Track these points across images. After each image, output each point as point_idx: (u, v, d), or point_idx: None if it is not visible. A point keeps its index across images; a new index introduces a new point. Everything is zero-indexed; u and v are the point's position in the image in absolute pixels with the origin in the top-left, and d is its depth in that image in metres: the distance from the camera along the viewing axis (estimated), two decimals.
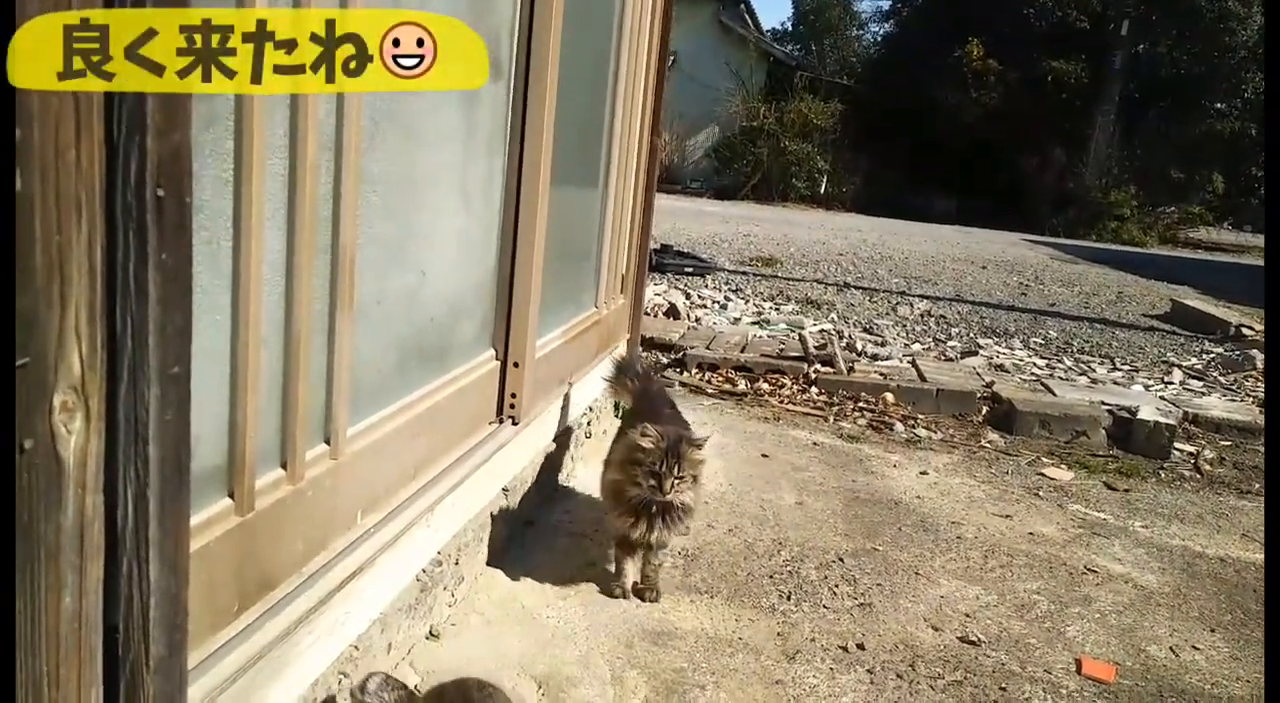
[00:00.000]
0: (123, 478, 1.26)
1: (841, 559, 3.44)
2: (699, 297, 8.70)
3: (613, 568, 3.04)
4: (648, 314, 7.00)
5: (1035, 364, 7.34)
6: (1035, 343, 8.29)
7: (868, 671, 2.70)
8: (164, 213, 1.20)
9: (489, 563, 2.97)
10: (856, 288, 10.44)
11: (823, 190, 25.56)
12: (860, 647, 2.82)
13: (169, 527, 1.31)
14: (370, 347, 2.25)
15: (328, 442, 2.09)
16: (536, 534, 2.92)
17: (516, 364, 3.15)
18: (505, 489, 3.12)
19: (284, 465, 1.92)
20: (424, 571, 2.52)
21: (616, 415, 4.69)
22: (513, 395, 3.18)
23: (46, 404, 1.14)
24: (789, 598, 3.09)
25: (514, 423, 3.19)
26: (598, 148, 4.09)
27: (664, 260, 9.94)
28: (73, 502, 1.21)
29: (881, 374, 6.07)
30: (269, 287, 1.75)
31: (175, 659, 1.37)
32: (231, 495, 1.74)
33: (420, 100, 2.36)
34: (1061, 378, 6.80)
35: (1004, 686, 2.71)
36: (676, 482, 2.78)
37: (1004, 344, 8.14)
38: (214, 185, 1.58)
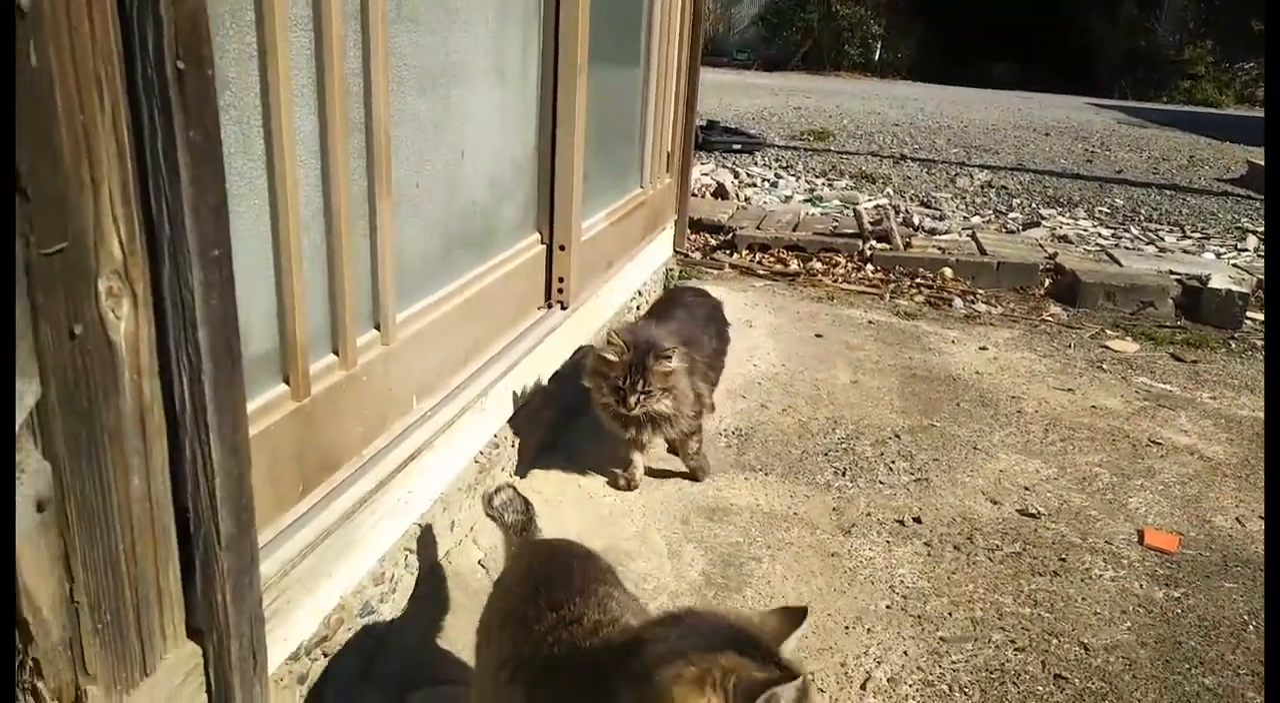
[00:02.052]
0: (175, 362, 1.27)
1: (898, 436, 3.42)
2: (748, 175, 8.49)
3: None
4: (695, 195, 6.87)
5: (1100, 234, 7.09)
6: (1100, 212, 7.98)
7: (925, 543, 2.71)
8: (186, 87, 1.16)
9: (544, 447, 3.01)
10: (913, 160, 10.10)
11: (877, 57, 24.43)
12: (917, 521, 2.83)
13: (226, 409, 1.32)
14: (413, 230, 2.23)
15: (378, 327, 2.09)
16: (590, 420, 2.93)
17: (562, 247, 3.11)
18: (557, 374, 3.13)
19: (336, 351, 1.93)
20: (481, 452, 2.55)
21: None
22: (560, 280, 3.15)
23: (91, 289, 1.13)
24: (844, 474, 3.09)
25: (562, 307, 3.17)
26: (638, 16, 3.92)
27: (711, 138, 9.67)
28: (129, 386, 1.21)
29: (939, 249, 5.91)
30: (305, 168, 1.72)
31: (245, 537, 1.41)
32: (287, 381, 1.75)
33: None
34: (1128, 248, 6.56)
35: (1064, 556, 2.70)
36: (642, 396, 2.63)
37: (1068, 214, 7.86)
38: (238, 61, 1.53)
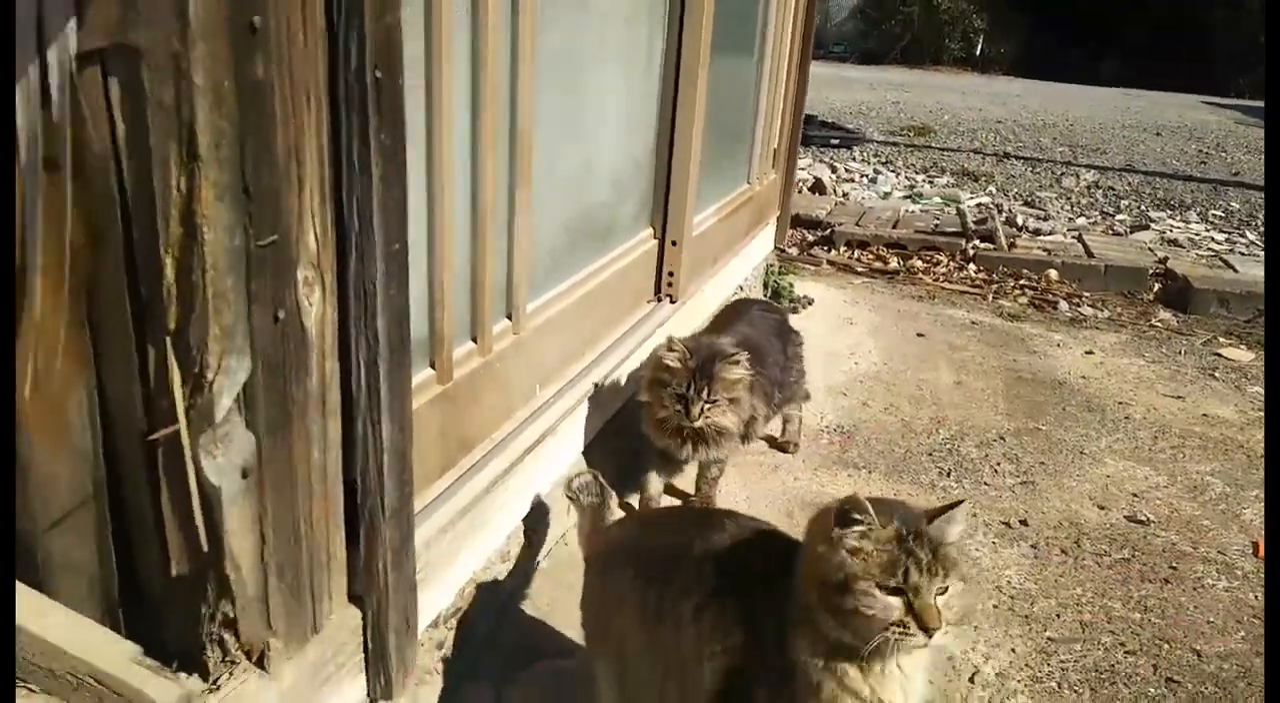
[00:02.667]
0: (355, 346, 1.38)
1: (1003, 438, 3.41)
2: (846, 170, 8.44)
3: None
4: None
5: (1213, 239, 6.86)
6: (1214, 216, 7.71)
7: (1031, 546, 2.71)
8: (381, 94, 1.27)
9: None
10: (1017, 158, 9.89)
11: (978, 52, 23.89)
12: (1023, 523, 2.83)
13: (396, 390, 1.44)
14: (543, 225, 2.33)
15: (509, 317, 2.20)
16: None
17: (674, 242, 3.19)
18: None
19: (474, 339, 2.04)
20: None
21: (765, 293, 4.70)
22: (670, 274, 3.23)
23: (292, 278, 1.25)
24: (948, 475, 3.11)
25: (671, 301, 3.25)
26: (754, 10, 3.97)
27: (808, 132, 9.59)
28: (315, 367, 1.34)
29: (1045, 250, 5.81)
30: (458, 166, 1.83)
31: (405, 509, 1.53)
32: (433, 366, 1.87)
33: None
34: (1243, 253, 6.34)
35: (1174, 565, 2.67)
36: (708, 406, 2.40)
37: (1179, 217, 7.62)
38: (410, 64, 1.64)
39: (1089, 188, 8.59)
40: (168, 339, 1.16)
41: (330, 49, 1.22)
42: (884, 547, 1.26)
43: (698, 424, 2.43)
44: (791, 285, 4.78)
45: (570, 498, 1.99)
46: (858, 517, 1.27)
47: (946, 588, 1.27)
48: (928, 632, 1.24)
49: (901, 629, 1.24)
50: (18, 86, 1.09)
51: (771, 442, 3.15)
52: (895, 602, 1.25)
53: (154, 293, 1.16)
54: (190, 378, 1.17)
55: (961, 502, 1.35)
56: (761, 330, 2.94)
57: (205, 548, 1.22)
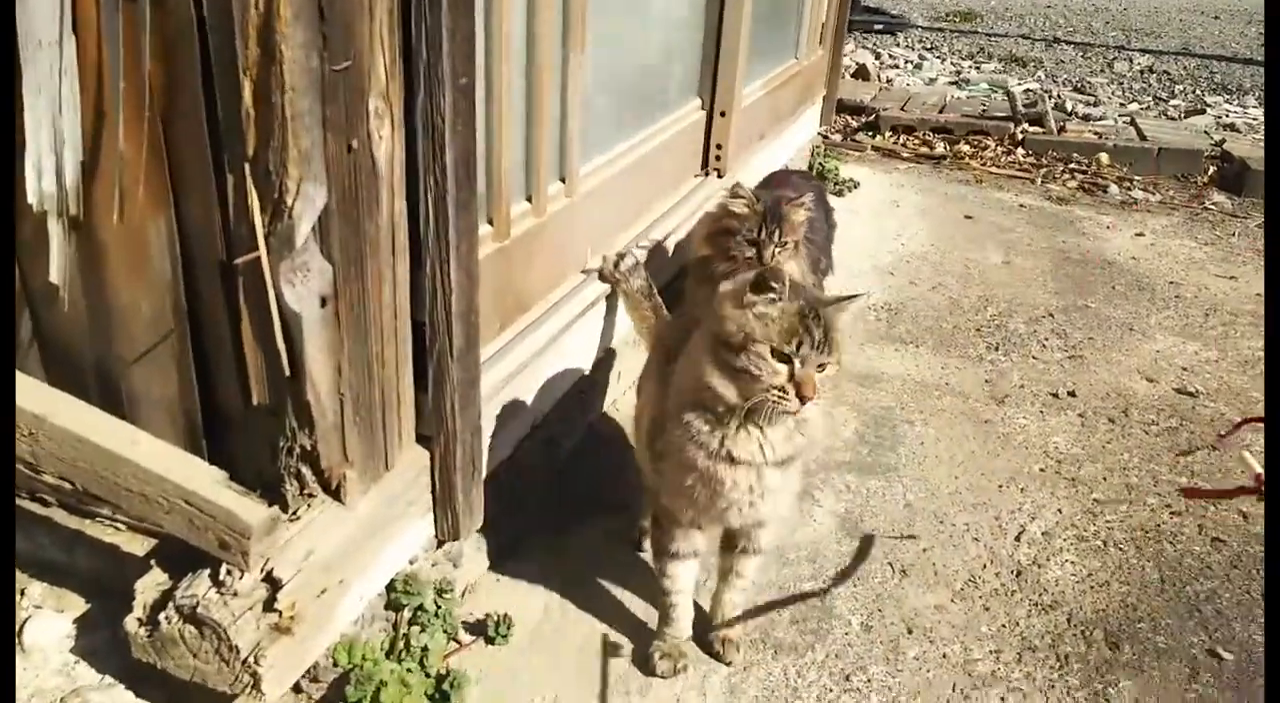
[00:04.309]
0: (423, 183, 1.39)
1: (1051, 315, 3.39)
2: (890, 56, 8.19)
3: None
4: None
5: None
6: None
7: (1078, 415, 2.72)
8: None
9: None
10: (1067, 43, 9.52)
11: None
12: (1071, 394, 2.83)
13: (463, 230, 1.45)
14: (594, 86, 2.29)
15: (563, 180, 2.20)
16: None
17: (723, 113, 3.13)
18: None
19: (529, 199, 2.04)
20: None
21: (810, 174, 4.63)
22: (718, 147, 3.19)
23: (364, 108, 1.25)
24: (997, 349, 3.10)
25: (719, 175, 3.21)
26: None
27: (851, 17, 9.27)
28: (385, 202, 1.35)
29: (1096, 134, 5.64)
30: (516, 18, 1.80)
31: (472, 352, 1.56)
32: (491, 222, 1.88)
33: None
34: None
35: (1222, 433, 2.67)
36: (778, 249, 2.33)
37: (1236, 102, 7.34)
38: None
39: (1142, 73, 8.28)
40: (246, 165, 1.18)
41: None
42: (787, 317, 1.36)
43: (772, 266, 2.32)
44: (837, 169, 4.70)
45: (615, 280, 2.07)
46: (774, 285, 1.36)
47: (825, 366, 1.38)
48: (802, 400, 1.35)
49: (781, 394, 1.35)
50: None
51: None
52: (782, 368, 1.36)
53: (231, 117, 1.17)
54: (269, 204, 1.19)
55: (858, 295, 1.46)
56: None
57: (287, 373, 1.26)
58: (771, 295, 1.37)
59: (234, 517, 1.28)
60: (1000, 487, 2.35)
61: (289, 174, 1.16)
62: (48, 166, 1.24)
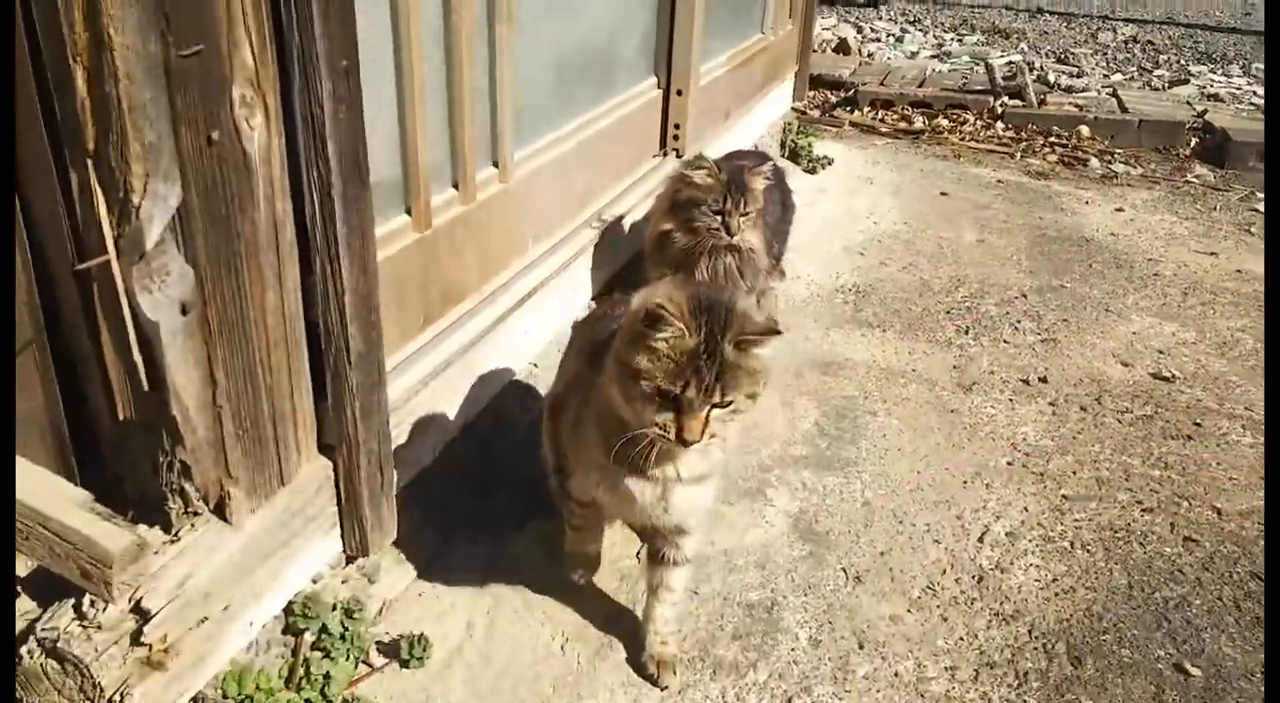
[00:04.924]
0: (306, 177, 1.27)
1: (1025, 296, 3.28)
2: (871, 30, 8.02)
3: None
4: (815, 51, 6.52)
5: (1255, 93, 6.48)
6: (1257, 69, 7.29)
7: (1049, 403, 2.62)
8: None
9: None
10: (1051, 13, 9.36)
11: None
12: (1042, 380, 2.73)
13: (354, 225, 1.33)
14: (530, 65, 2.16)
15: (496, 165, 2.07)
16: None
17: (680, 92, 3.01)
18: None
19: (456, 186, 1.92)
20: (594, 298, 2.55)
21: (783, 153, 4.50)
22: (676, 127, 3.06)
23: (226, 97, 1.13)
24: (966, 332, 2.99)
25: (678, 155, 3.08)
26: None
27: None
28: (263, 200, 1.23)
29: (1076, 106, 5.51)
30: None
31: (372, 355, 1.44)
32: (409, 212, 1.76)
33: None
34: None
35: (1199, 421, 2.57)
36: (742, 220, 2.32)
37: (1220, 72, 7.21)
38: None
39: (1126, 43, 8.14)
40: (88, 161, 1.05)
41: None
42: (676, 357, 1.26)
43: (735, 240, 2.33)
44: (811, 146, 4.57)
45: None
46: (663, 325, 1.26)
47: (729, 404, 1.29)
48: (682, 443, 1.28)
49: (662, 432, 1.28)
50: None
51: None
52: (668, 406, 1.27)
53: (68, 110, 1.05)
54: (115, 203, 1.07)
55: (778, 332, 1.30)
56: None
57: (146, 387, 1.15)
58: (663, 334, 1.26)
59: (93, 544, 1.16)
60: (964, 483, 2.25)
61: (132, 171, 1.04)
62: None
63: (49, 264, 1.18)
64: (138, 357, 1.13)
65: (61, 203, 1.12)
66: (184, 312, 1.14)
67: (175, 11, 1.03)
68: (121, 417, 1.24)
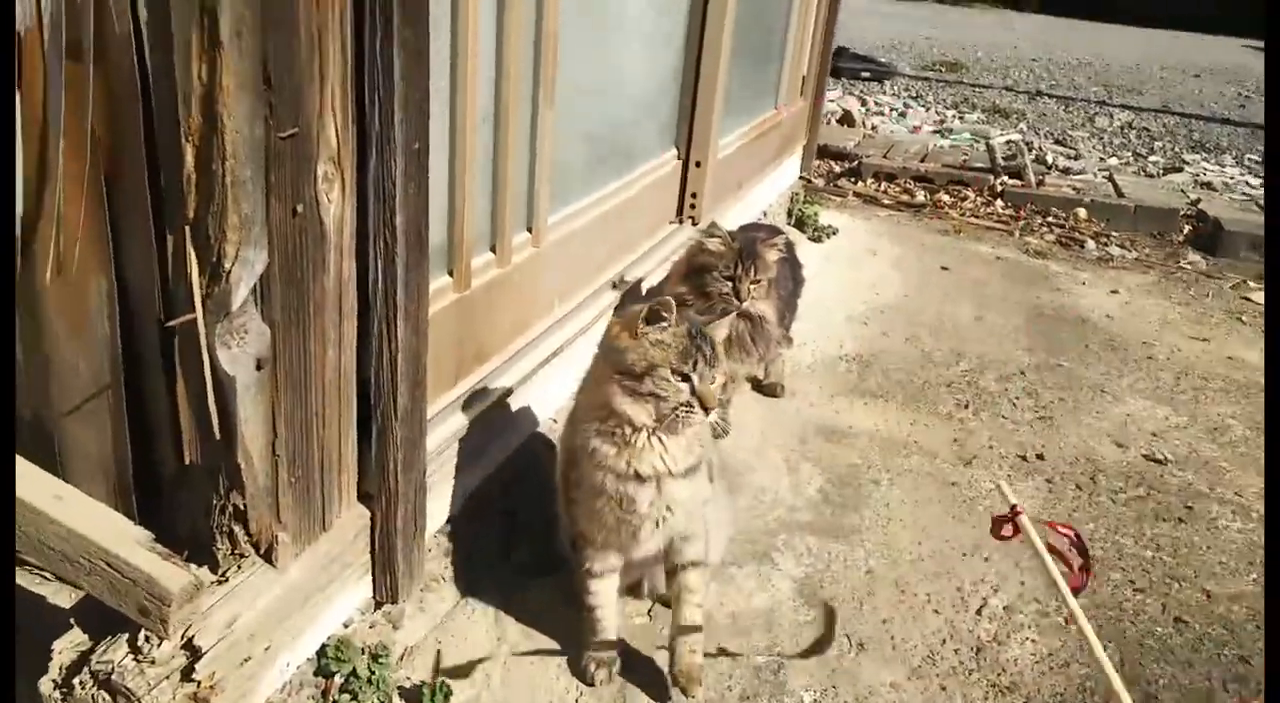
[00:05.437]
0: (373, 245, 1.37)
1: (1022, 373, 3.38)
2: (875, 103, 8.27)
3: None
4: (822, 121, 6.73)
5: (1248, 183, 6.69)
6: (1250, 160, 7.52)
7: (1046, 480, 2.71)
8: None
9: None
10: (1049, 96, 9.64)
11: None
12: (1039, 457, 2.82)
13: (413, 291, 1.43)
14: (566, 138, 2.28)
15: (529, 230, 2.18)
16: None
17: (698, 164, 3.14)
18: None
19: (493, 249, 2.02)
20: None
21: (789, 222, 4.64)
22: (693, 196, 3.19)
23: (311, 173, 1.23)
24: (966, 407, 3.09)
25: (694, 223, 3.20)
26: None
27: (839, 64, 9.38)
28: (333, 264, 1.33)
29: (1074, 188, 5.69)
30: (483, 70, 1.79)
31: (417, 410, 1.53)
32: (451, 273, 1.86)
33: None
34: None
35: (1190, 504, 2.66)
36: (753, 287, 2.44)
37: (1213, 160, 7.44)
38: None
39: (1123, 128, 8.39)
40: (186, 228, 1.15)
41: None
42: (680, 340, 1.53)
43: (745, 304, 2.46)
44: (816, 214, 4.72)
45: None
46: (665, 315, 1.53)
47: (716, 377, 1.57)
48: (706, 410, 1.53)
49: (688, 408, 1.52)
50: None
51: (756, 384, 3.02)
52: (685, 386, 1.53)
53: (173, 182, 1.15)
54: (208, 267, 1.16)
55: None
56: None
57: (217, 436, 1.23)
58: (663, 324, 1.53)
59: (154, 582, 1.23)
60: (964, 555, 2.32)
61: (228, 239, 1.14)
62: None
63: (134, 317, 1.27)
64: (213, 407, 1.21)
65: (156, 262, 1.21)
66: (258, 367, 1.23)
67: (279, 100, 1.13)
68: (187, 461, 1.31)
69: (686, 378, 1.52)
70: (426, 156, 1.37)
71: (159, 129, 1.15)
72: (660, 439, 1.57)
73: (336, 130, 1.25)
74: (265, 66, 1.12)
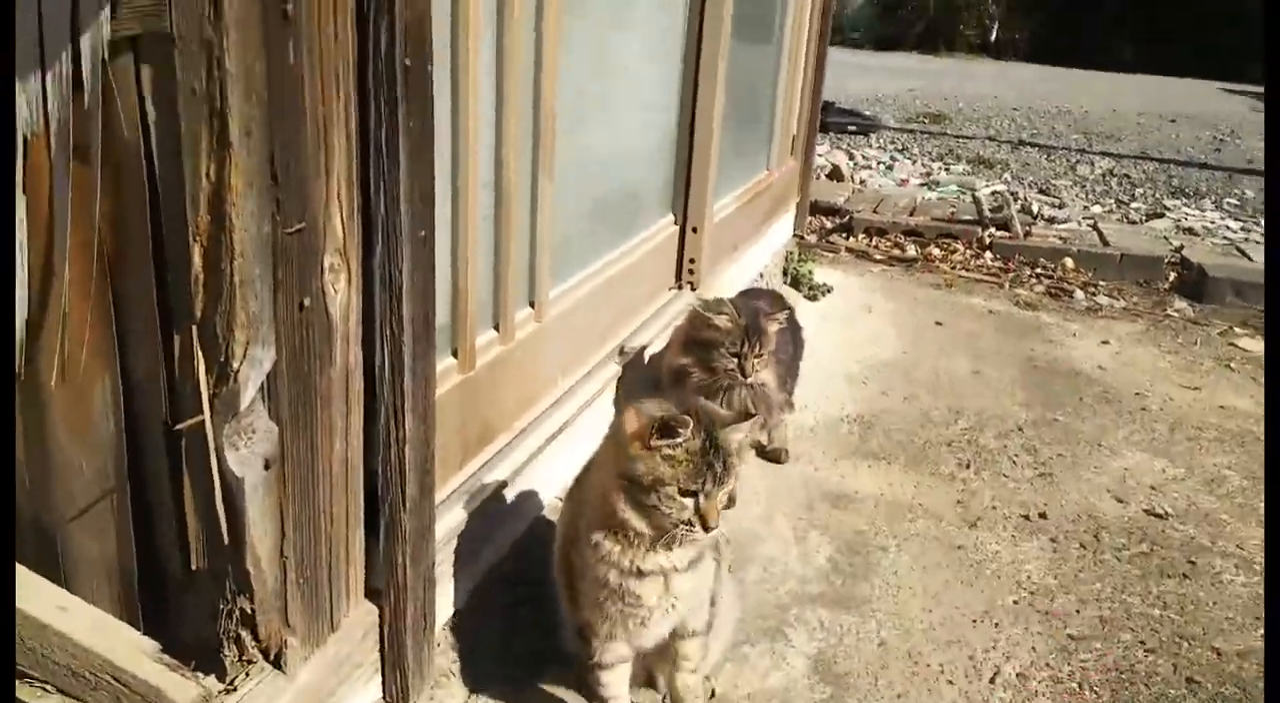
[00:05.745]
0: (379, 334, 1.36)
1: (1021, 429, 3.38)
2: (863, 157, 8.38)
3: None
4: None
5: (1228, 228, 6.78)
6: (1229, 204, 7.64)
7: (1050, 540, 2.69)
8: (410, 81, 1.25)
9: None
10: (1032, 146, 9.80)
11: (993, 38, 23.72)
12: (1042, 516, 2.80)
13: (420, 379, 1.41)
14: (565, 211, 2.30)
15: (532, 305, 2.18)
16: None
17: (695, 229, 3.16)
18: None
19: (496, 327, 2.02)
20: None
21: (785, 280, 4.67)
22: (691, 261, 3.20)
23: (318, 266, 1.23)
24: (968, 466, 3.08)
25: (692, 288, 3.22)
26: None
27: (826, 119, 9.50)
28: (339, 354, 1.31)
29: (1060, 238, 5.76)
30: (483, 149, 1.80)
31: (426, 500, 1.51)
32: (455, 354, 1.85)
33: None
34: (1258, 242, 6.27)
35: (1193, 560, 2.64)
36: (757, 362, 2.48)
37: (1194, 205, 7.54)
38: (436, 48, 1.60)
39: (1104, 176, 8.51)
40: (193, 328, 1.14)
41: (360, 36, 1.19)
42: (692, 458, 1.46)
43: (751, 380, 2.49)
44: (811, 273, 4.75)
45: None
46: (680, 431, 1.45)
47: (723, 493, 1.50)
48: (708, 529, 1.48)
49: (689, 526, 1.47)
50: (48, 74, 1.07)
51: (760, 450, 3.00)
52: (689, 503, 1.47)
53: (180, 281, 1.14)
54: (215, 367, 1.15)
55: (753, 415, 1.56)
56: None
57: (226, 540, 1.20)
58: (677, 439, 1.45)
59: (162, 695, 1.20)
60: (974, 621, 2.29)
61: (235, 338, 1.13)
62: None
63: (138, 419, 1.25)
64: (221, 510, 1.19)
65: (162, 363, 1.19)
66: (266, 466, 1.21)
67: (286, 196, 1.13)
68: (194, 566, 1.29)
69: (693, 495, 1.47)
70: (432, 244, 1.37)
71: (166, 229, 1.14)
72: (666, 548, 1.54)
73: (342, 220, 1.25)
74: (272, 163, 1.12)
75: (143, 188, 1.13)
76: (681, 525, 1.47)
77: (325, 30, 1.13)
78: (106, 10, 1.05)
